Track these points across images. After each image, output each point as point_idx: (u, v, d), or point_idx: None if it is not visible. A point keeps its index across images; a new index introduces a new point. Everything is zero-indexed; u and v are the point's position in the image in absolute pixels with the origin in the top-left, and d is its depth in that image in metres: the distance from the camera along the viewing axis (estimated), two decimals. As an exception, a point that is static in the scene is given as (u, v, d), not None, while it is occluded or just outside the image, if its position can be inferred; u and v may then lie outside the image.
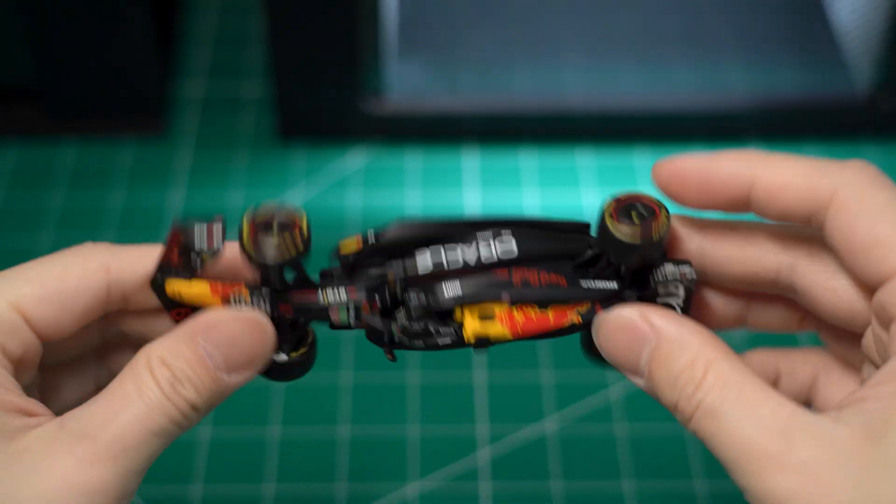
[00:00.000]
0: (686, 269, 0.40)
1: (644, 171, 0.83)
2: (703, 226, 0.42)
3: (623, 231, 0.39)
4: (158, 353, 0.38)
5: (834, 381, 0.43)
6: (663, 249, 0.40)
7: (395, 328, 0.40)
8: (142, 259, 0.41)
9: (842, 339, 0.42)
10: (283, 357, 0.41)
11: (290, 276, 0.40)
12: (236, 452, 0.67)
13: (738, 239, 0.41)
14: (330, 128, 0.85)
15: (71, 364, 0.44)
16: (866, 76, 0.84)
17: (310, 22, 0.78)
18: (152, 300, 0.41)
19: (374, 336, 0.41)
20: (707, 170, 0.40)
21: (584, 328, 0.40)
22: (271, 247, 0.39)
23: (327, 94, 0.82)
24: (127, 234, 0.79)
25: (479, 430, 0.68)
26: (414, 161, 0.84)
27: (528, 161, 0.84)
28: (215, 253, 0.41)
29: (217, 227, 0.41)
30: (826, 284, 0.39)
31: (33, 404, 0.38)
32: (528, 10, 0.91)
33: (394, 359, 0.41)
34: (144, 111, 0.86)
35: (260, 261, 0.39)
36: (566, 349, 0.71)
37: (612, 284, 0.40)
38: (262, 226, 0.39)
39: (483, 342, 0.40)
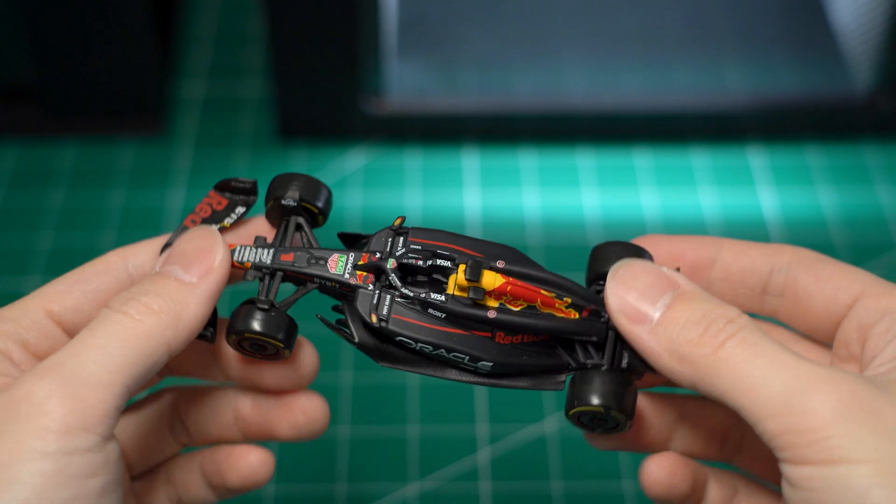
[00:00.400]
0: None
1: (644, 171, 0.83)
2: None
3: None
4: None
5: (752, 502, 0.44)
6: None
7: (390, 263, 0.41)
8: (154, 244, 0.43)
9: (757, 465, 0.44)
10: (264, 304, 0.41)
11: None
12: (236, 452, 0.67)
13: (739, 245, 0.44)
14: (330, 128, 0.85)
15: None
16: (866, 76, 0.84)
17: (310, 22, 0.78)
18: None
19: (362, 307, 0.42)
20: (677, 238, 0.43)
21: (573, 309, 0.41)
22: (294, 190, 0.44)
23: (327, 94, 0.82)
24: (127, 233, 0.79)
25: (479, 430, 0.68)
26: (414, 161, 0.84)
27: (527, 161, 0.84)
28: (237, 221, 0.44)
29: (240, 209, 0.45)
30: (821, 271, 0.42)
31: None
32: (528, 9, 0.91)
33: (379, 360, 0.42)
34: (144, 111, 0.86)
35: (284, 201, 0.43)
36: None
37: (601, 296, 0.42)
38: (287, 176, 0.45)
39: (474, 285, 0.40)
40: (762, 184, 0.82)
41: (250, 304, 0.42)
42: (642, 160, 0.84)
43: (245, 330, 0.41)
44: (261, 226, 0.45)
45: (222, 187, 0.45)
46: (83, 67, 0.83)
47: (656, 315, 0.38)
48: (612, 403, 0.40)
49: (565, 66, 0.88)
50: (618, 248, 0.42)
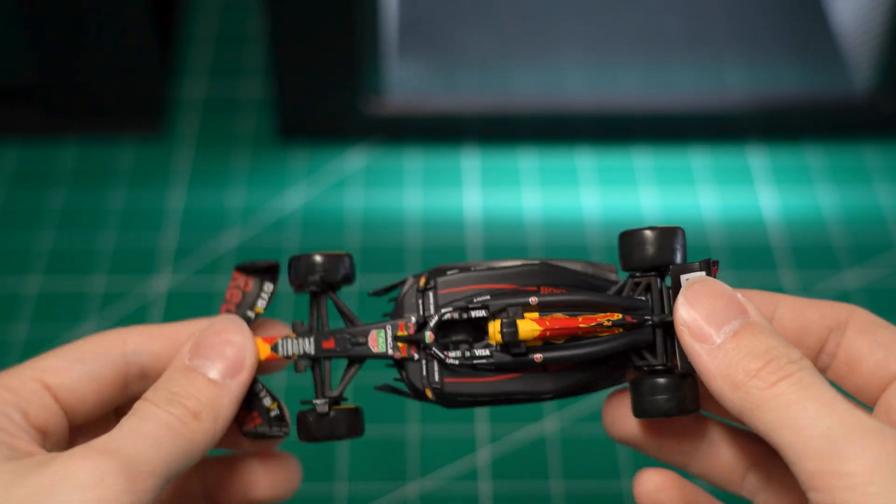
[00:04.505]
0: (702, 267, 0.41)
1: (644, 172, 0.83)
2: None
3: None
4: (156, 386, 0.41)
5: None
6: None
7: (427, 338, 0.42)
8: (158, 337, 0.44)
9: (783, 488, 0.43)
10: (323, 406, 0.43)
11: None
12: (236, 452, 0.67)
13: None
14: (330, 128, 0.85)
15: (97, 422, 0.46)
16: (866, 76, 0.84)
17: (310, 22, 0.78)
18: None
19: (415, 384, 0.43)
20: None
21: (615, 329, 0.41)
22: (316, 275, 0.43)
23: (327, 94, 0.82)
24: (127, 234, 0.79)
25: (479, 430, 0.68)
26: (414, 161, 0.84)
27: (528, 161, 0.84)
28: (268, 301, 0.44)
29: (269, 286, 0.45)
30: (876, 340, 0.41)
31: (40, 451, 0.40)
32: (528, 9, 0.91)
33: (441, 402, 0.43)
34: (144, 111, 0.86)
35: (309, 289, 0.43)
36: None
37: (640, 298, 0.42)
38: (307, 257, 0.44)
39: (512, 340, 0.40)
40: (762, 184, 0.82)
41: (313, 409, 0.43)
42: (642, 160, 0.84)
43: (321, 438, 0.43)
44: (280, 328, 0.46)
45: (245, 269, 0.45)
46: (83, 67, 0.83)
47: (721, 338, 0.38)
48: (676, 408, 0.41)
49: (565, 66, 0.88)
50: (653, 234, 0.42)
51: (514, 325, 0.40)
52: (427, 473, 0.66)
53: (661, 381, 0.41)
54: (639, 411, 0.41)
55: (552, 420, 0.68)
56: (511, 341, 0.40)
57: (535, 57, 0.88)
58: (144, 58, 0.84)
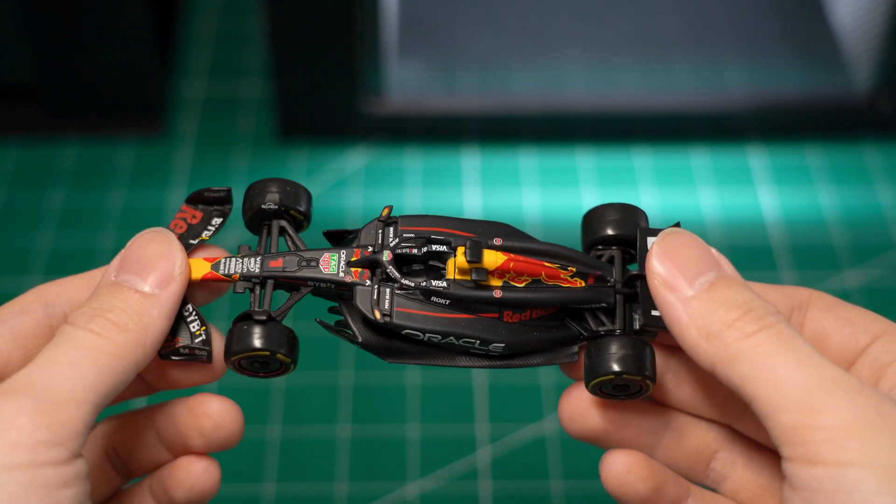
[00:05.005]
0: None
1: (644, 172, 0.83)
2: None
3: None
4: (80, 307, 0.38)
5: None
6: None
7: (385, 255, 0.40)
8: (76, 284, 0.42)
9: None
10: (261, 314, 0.39)
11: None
12: (236, 452, 0.67)
13: None
14: (330, 128, 0.85)
15: None
16: (866, 76, 0.84)
17: (310, 22, 0.78)
18: None
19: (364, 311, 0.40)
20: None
21: (577, 277, 0.40)
22: (274, 194, 0.42)
23: (327, 94, 0.82)
24: (127, 233, 0.79)
25: (479, 430, 0.68)
26: (414, 161, 0.84)
27: (528, 161, 0.84)
28: (214, 233, 0.42)
29: (217, 220, 0.43)
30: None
31: None
32: (529, 10, 0.91)
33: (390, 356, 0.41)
34: (144, 111, 0.86)
35: (265, 206, 0.42)
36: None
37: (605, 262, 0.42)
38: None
39: (475, 260, 0.39)
40: (762, 184, 0.82)
41: (246, 318, 0.40)
42: (642, 160, 0.84)
43: (245, 349, 0.39)
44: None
45: (195, 199, 0.43)
46: (83, 67, 0.83)
47: (695, 289, 0.38)
48: (632, 367, 0.39)
49: (565, 66, 0.88)
50: (614, 208, 0.42)
51: (479, 249, 0.39)
52: (427, 473, 0.66)
53: (618, 339, 0.40)
54: (590, 374, 0.40)
55: (552, 420, 0.68)
56: (474, 262, 0.39)
57: (535, 57, 0.88)
58: (144, 58, 0.84)
